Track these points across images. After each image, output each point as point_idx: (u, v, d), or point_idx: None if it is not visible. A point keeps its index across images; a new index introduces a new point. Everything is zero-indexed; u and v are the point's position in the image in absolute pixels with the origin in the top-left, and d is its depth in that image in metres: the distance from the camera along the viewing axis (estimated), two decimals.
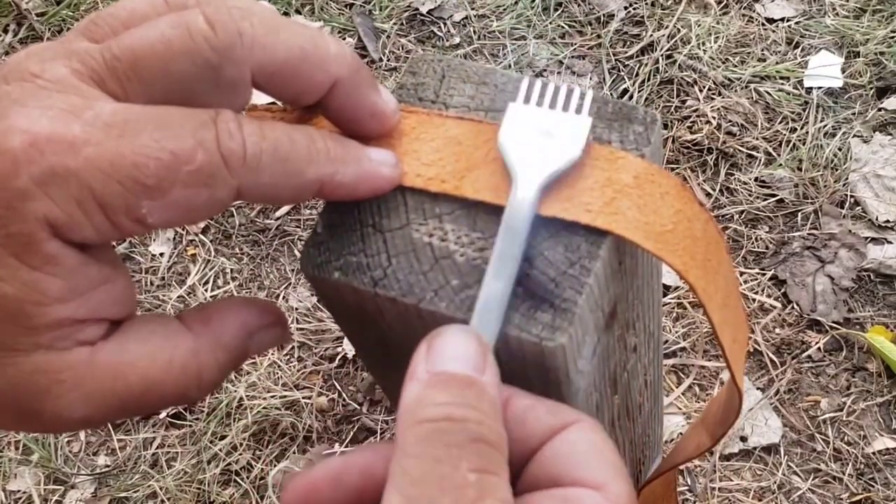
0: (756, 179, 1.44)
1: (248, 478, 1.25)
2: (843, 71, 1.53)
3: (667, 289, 1.34)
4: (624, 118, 0.35)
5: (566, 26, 1.65)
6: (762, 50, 1.58)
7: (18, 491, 1.29)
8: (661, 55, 1.58)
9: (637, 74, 1.57)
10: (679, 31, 1.61)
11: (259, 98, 0.32)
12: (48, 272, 0.27)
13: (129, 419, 1.20)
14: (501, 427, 0.29)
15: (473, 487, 0.26)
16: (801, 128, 1.48)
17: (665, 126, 1.51)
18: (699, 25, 1.60)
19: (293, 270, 1.42)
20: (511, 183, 0.34)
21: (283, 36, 0.31)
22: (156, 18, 0.30)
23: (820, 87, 1.52)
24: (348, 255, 0.36)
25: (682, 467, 1.22)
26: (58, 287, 0.28)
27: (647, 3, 1.65)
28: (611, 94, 1.56)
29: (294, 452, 1.26)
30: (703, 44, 1.58)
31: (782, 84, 1.53)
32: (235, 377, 1.32)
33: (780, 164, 1.45)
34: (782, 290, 1.35)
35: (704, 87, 1.54)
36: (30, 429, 0.31)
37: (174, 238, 1.47)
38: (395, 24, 1.69)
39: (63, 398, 0.29)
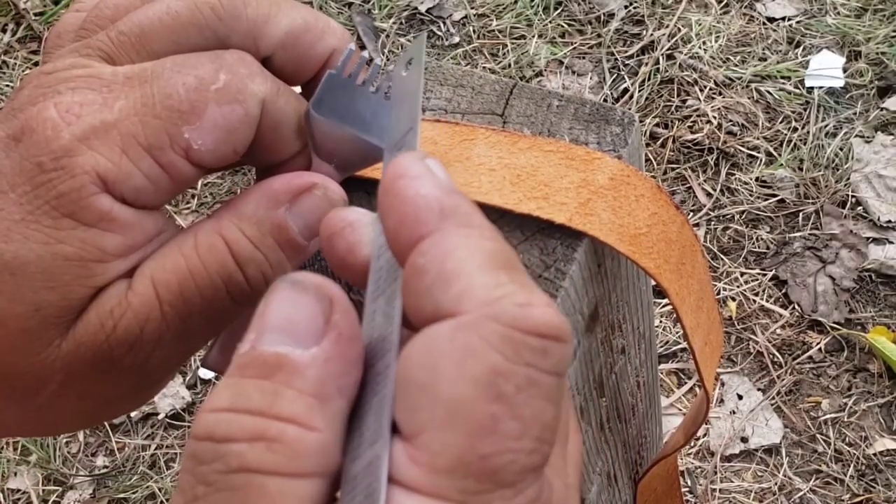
0: (757, 179, 1.44)
1: None
2: (845, 70, 1.52)
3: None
4: (601, 119, 0.35)
5: (566, 25, 1.64)
6: (763, 49, 1.57)
7: (18, 490, 1.29)
8: (662, 54, 1.57)
9: (637, 74, 1.56)
10: (680, 30, 1.60)
11: None
12: (104, 228, 0.28)
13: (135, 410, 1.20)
14: (311, 427, 0.20)
15: None
16: (803, 127, 1.47)
17: (665, 126, 1.51)
18: (700, 24, 1.60)
19: None
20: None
21: (286, 7, 0.32)
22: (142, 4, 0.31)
23: (821, 87, 1.51)
24: (322, 261, 0.35)
25: (682, 468, 1.22)
26: (117, 243, 0.28)
27: (647, 3, 1.65)
28: (611, 93, 1.56)
29: None
30: (704, 43, 1.58)
31: (783, 83, 1.52)
32: None
33: (781, 164, 1.44)
34: (783, 291, 1.34)
35: (705, 87, 1.53)
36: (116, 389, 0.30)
37: None
38: (394, 23, 1.68)
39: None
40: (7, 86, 1.65)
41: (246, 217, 0.30)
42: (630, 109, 1.51)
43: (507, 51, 1.61)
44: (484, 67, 1.59)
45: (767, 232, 1.39)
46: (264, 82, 0.30)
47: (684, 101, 1.52)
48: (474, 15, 1.68)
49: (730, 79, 1.54)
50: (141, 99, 0.28)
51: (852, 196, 1.40)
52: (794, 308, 1.32)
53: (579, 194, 0.33)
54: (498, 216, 0.34)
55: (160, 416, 1.32)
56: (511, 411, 0.19)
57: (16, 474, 1.30)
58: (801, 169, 1.44)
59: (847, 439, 1.23)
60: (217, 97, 0.29)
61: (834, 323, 1.30)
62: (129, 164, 0.28)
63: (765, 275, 1.35)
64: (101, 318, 0.28)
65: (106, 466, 1.30)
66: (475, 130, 0.35)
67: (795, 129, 1.48)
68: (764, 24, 1.61)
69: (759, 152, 1.46)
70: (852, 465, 1.21)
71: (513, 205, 0.33)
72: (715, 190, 1.43)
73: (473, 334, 0.20)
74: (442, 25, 1.68)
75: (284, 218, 0.29)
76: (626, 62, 1.59)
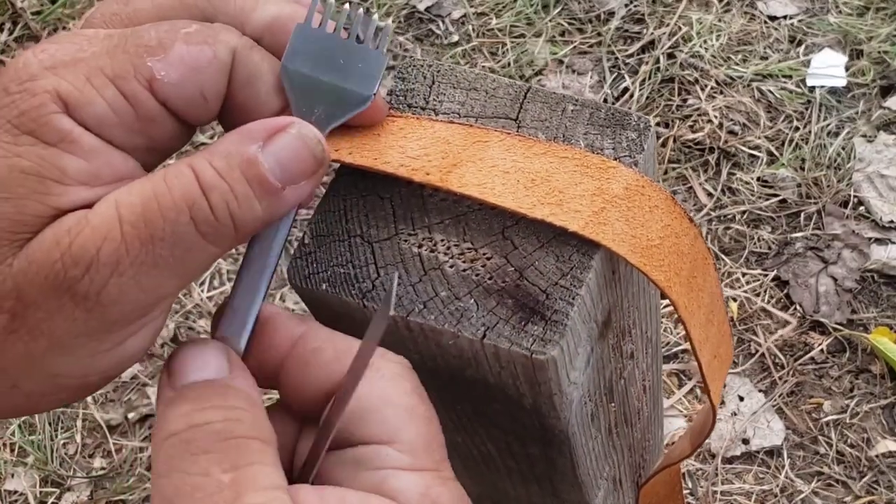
0: (758, 179, 1.43)
1: None
2: (847, 69, 1.52)
3: None
4: (617, 124, 0.34)
5: (566, 24, 1.64)
6: (764, 48, 1.56)
7: (15, 492, 1.28)
8: (663, 53, 1.57)
9: (638, 73, 1.55)
10: (680, 28, 1.59)
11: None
12: (65, 149, 0.28)
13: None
14: (258, 415, 0.29)
15: (230, 488, 0.26)
16: (804, 127, 1.47)
17: (666, 125, 1.50)
18: (700, 23, 1.59)
19: None
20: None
21: None
22: None
23: (823, 86, 1.50)
24: (336, 267, 0.35)
25: (683, 470, 1.21)
26: (78, 167, 0.29)
27: (647, 1, 1.64)
28: (611, 92, 1.55)
29: None
30: (705, 42, 1.57)
31: (785, 82, 1.52)
32: None
33: (783, 164, 1.44)
34: (785, 292, 1.34)
35: (706, 86, 1.52)
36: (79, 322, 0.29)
37: None
38: (393, 21, 1.68)
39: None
40: None
41: (217, 152, 0.30)
42: (630, 109, 1.50)
43: (507, 49, 1.60)
44: (483, 66, 1.58)
45: (769, 232, 1.39)
46: (239, 36, 0.31)
47: (685, 101, 1.52)
48: (473, 13, 1.67)
49: (731, 78, 1.53)
50: (115, 43, 0.29)
51: (854, 196, 1.40)
52: (795, 309, 1.32)
53: (593, 202, 0.32)
54: (513, 222, 0.34)
55: None
56: (428, 407, 0.31)
57: (13, 476, 1.29)
58: (802, 169, 1.43)
59: (849, 441, 1.22)
60: (186, 38, 0.30)
61: (836, 324, 1.30)
62: (91, 90, 0.29)
63: (766, 275, 1.35)
64: (57, 236, 0.28)
65: (103, 468, 1.29)
66: (489, 133, 0.35)
67: (797, 129, 1.47)
68: (765, 22, 1.60)
69: (760, 152, 1.45)
70: (854, 467, 1.20)
71: (526, 209, 0.33)
72: (716, 190, 1.43)
73: (399, 374, 0.31)
74: (441, 24, 1.67)
75: (255, 153, 0.30)
76: (627, 61, 1.58)
